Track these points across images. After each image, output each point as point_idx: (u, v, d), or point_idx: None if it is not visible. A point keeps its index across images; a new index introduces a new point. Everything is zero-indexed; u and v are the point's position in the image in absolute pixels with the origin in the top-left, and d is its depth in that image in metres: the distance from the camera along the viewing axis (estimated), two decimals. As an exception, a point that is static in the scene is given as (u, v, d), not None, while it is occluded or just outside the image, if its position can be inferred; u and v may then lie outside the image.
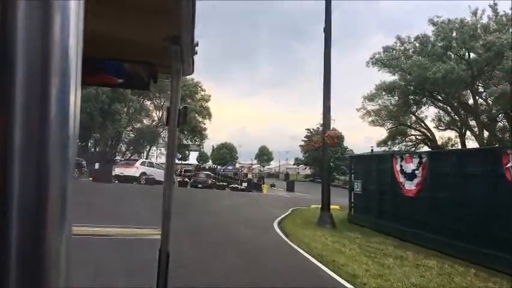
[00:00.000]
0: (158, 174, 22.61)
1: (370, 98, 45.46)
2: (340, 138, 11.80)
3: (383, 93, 40.48)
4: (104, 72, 1.41)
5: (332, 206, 17.87)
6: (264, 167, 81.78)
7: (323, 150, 11.79)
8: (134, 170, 24.03)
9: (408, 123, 45.20)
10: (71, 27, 0.36)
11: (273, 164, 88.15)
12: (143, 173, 24.08)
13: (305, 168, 64.53)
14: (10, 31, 0.33)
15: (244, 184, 32.56)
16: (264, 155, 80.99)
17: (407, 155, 10.45)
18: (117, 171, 24.37)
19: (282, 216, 12.95)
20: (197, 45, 1.31)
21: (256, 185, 36.19)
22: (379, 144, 47.09)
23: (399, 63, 37.40)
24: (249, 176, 53.14)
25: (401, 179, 10.00)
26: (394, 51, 38.54)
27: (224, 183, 29.13)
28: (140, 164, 25.14)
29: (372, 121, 46.63)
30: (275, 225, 10.71)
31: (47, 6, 0.35)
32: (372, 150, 14.31)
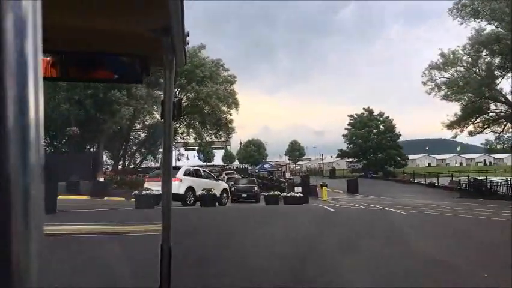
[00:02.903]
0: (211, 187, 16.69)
1: (440, 67, 35.39)
2: None
3: (481, 49, 29.54)
4: (96, 67, 1.36)
5: None
6: (295, 163, 72.22)
7: None
8: (178, 184, 14.83)
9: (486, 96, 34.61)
10: (28, 23, 0.34)
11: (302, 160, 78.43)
12: (190, 188, 16.01)
13: (352, 161, 54.13)
14: None
15: (298, 189, 22.92)
16: (295, 151, 71.22)
17: None
18: (148, 187, 15.56)
19: None
20: (188, 35, 1.30)
21: (309, 188, 26.49)
22: (449, 126, 36.98)
23: (496, 8, 26.52)
24: (287, 175, 43.56)
25: None
26: (486, -7, 27.89)
27: (276, 192, 19.40)
28: (185, 175, 16.27)
29: (446, 95, 36.51)
30: None
31: None
32: None
